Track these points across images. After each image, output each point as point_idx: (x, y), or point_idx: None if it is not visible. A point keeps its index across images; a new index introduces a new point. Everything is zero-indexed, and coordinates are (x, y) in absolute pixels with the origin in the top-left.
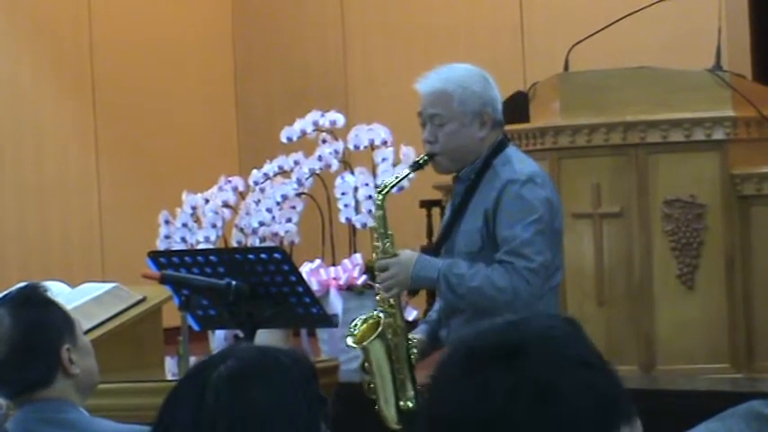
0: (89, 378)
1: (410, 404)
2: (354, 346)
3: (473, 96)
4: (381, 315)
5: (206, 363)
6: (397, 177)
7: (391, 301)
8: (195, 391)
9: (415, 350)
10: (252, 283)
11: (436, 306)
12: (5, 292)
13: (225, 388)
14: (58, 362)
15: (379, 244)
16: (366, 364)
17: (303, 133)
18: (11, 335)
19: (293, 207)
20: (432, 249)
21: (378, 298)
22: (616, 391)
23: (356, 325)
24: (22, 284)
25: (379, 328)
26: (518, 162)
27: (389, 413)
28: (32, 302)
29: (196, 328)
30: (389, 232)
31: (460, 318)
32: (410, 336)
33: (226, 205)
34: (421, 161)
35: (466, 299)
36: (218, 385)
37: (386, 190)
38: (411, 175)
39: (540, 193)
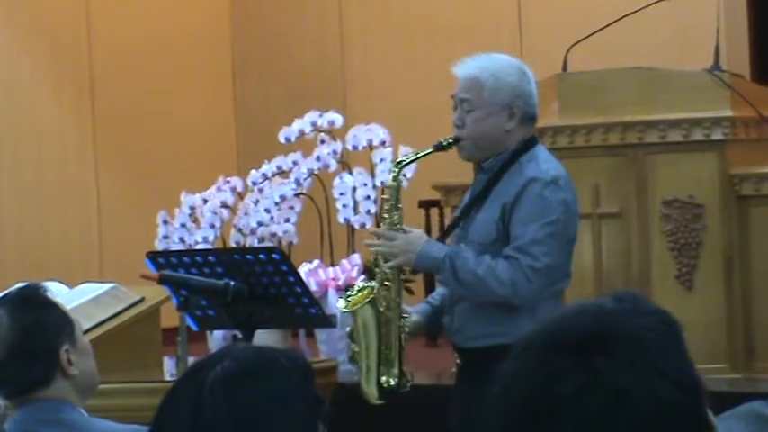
0: (89, 379)
1: (392, 382)
2: (345, 309)
3: (505, 87)
4: (375, 285)
5: (203, 363)
6: (417, 153)
7: (389, 274)
8: (192, 391)
9: (407, 329)
10: (250, 284)
11: (440, 290)
12: (5, 292)
13: (222, 388)
14: (56, 362)
15: (388, 216)
16: (354, 334)
17: (301, 134)
18: (10, 335)
19: (291, 207)
20: (443, 232)
21: (377, 269)
22: (694, 412)
23: (352, 291)
24: (21, 284)
25: (371, 296)
26: (544, 162)
27: (370, 389)
28: (32, 303)
29: (195, 328)
30: (400, 205)
31: (465, 305)
32: (405, 310)
33: (224, 206)
34: (445, 143)
35: (466, 285)
36: (215, 385)
37: (404, 164)
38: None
39: (560, 196)
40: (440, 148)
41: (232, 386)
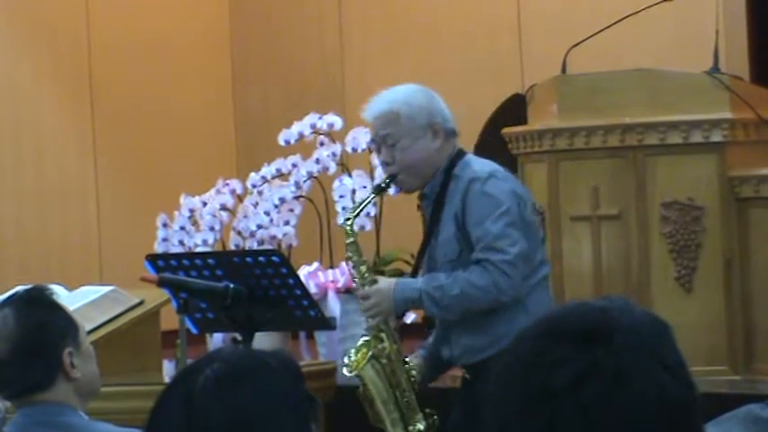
0: (90, 384)
1: (420, 427)
2: (350, 374)
3: (419, 110)
4: (370, 339)
5: (192, 367)
6: (361, 204)
7: (381, 326)
8: (183, 394)
9: (414, 372)
10: (250, 286)
11: (434, 332)
12: (10, 293)
13: (212, 391)
14: (59, 365)
15: (356, 272)
16: (367, 394)
17: (301, 136)
18: (14, 334)
19: (291, 210)
20: (413, 268)
21: (366, 326)
22: (687, 401)
23: (350, 355)
24: (28, 286)
25: (369, 353)
26: (477, 163)
27: None
28: (38, 304)
29: (194, 331)
30: (363, 258)
31: (457, 329)
32: (408, 359)
33: (224, 208)
34: (383, 184)
35: (451, 309)
36: (206, 388)
37: (352, 219)
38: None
39: (503, 186)
40: (379, 190)
41: (222, 389)
